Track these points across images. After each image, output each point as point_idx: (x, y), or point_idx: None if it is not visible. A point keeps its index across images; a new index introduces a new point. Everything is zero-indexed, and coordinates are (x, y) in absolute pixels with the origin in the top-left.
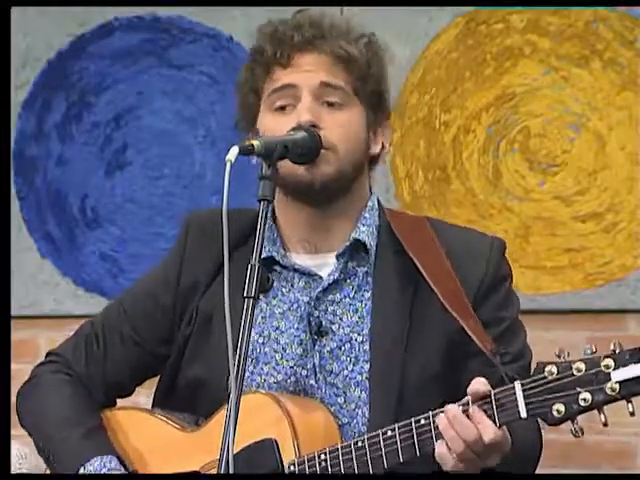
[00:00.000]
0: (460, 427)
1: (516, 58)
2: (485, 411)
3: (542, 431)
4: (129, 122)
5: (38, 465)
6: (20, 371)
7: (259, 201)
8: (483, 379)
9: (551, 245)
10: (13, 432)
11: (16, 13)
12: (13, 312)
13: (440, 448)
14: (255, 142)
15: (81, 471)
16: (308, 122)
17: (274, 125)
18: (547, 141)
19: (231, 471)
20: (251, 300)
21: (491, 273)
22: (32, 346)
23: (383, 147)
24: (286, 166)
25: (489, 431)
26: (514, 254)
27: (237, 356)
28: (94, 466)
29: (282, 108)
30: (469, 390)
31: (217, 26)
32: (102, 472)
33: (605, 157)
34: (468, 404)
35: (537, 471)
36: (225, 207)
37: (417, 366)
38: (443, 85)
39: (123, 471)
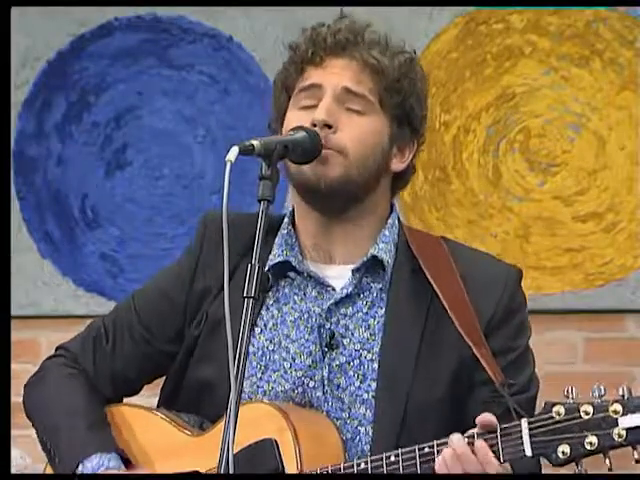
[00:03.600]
0: (466, 464)
1: (516, 58)
2: (490, 446)
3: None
4: (129, 122)
5: (37, 468)
6: (20, 371)
7: (259, 201)
8: (487, 414)
9: (551, 245)
10: (13, 432)
11: (16, 13)
12: (13, 312)
13: (440, 468)
14: (255, 142)
15: (79, 468)
16: (322, 121)
17: (295, 121)
18: (547, 141)
19: (231, 471)
20: (251, 300)
21: (505, 302)
22: (32, 346)
23: (411, 168)
24: (293, 165)
25: (492, 468)
26: (514, 254)
27: (237, 355)
28: (92, 463)
29: (307, 107)
30: (479, 419)
31: (217, 26)
32: (99, 471)
33: (605, 157)
34: (474, 437)
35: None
36: (225, 207)
37: (424, 389)
38: (443, 85)
39: (122, 470)
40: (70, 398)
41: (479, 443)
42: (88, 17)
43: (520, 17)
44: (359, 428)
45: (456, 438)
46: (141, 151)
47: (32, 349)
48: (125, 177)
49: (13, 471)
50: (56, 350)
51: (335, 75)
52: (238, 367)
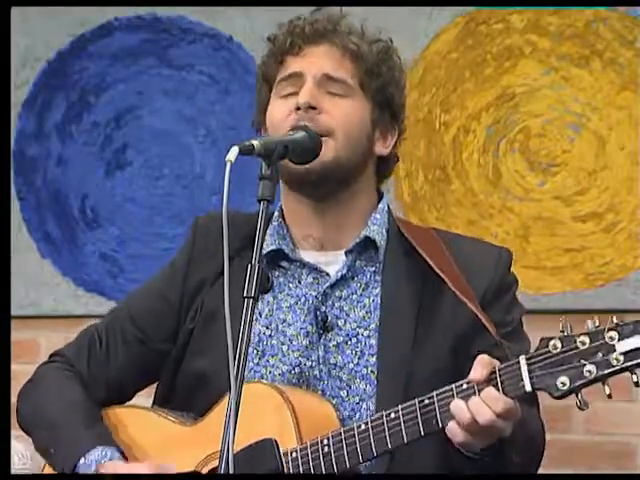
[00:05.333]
0: (475, 410)
1: (516, 58)
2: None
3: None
4: (129, 122)
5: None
6: (20, 371)
7: (259, 201)
8: (485, 358)
9: (551, 245)
10: (13, 432)
11: (16, 13)
12: (13, 312)
13: (452, 424)
14: (255, 142)
15: (81, 461)
16: (305, 103)
17: (276, 110)
18: (547, 141)
19: (231, 471)
20: (251, 300)
21: (497, 280)
22: (32, 346)
23: (394, 155)
24: (287, 162)
25: (499, 404)
26: (514, 254)
27: (236, 355)
28: (94, 456)
29: (288, 96)
30: (471, 377)
31: (217, 26)
32: (103, 462)
33: (605, 157)
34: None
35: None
36: (225, 207)
37: (425, 360)
38: (443, 85)
39: (123, 461)
40: (66, 397)
41: (481, 387)
42: (88, 17)
43: (520, 17)
44: (360, 404)
45: (456, 407)
46: (141, 151)
47: (32, 349)
48: (125, 177)
49: (18, 466)
50: (51, 356)
51: (315, 62)
52: (238, 367)
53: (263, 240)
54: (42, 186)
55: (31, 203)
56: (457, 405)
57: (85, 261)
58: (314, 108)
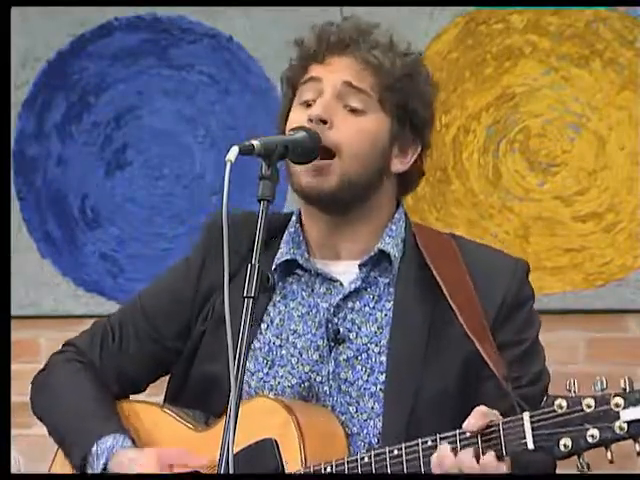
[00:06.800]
0: (449, 467)
1: (516, 58)
2: (493, 439)
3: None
4: (129, 122)
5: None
6: (20, 371)
7: (259, 201)
8: (482, 410)
9: (551, 245)
10: (13, 432)
11: (16, 13)
12: (13, 312)
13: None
14: (255, 142)
15: (94, 448)
16: (317, 116)
17: (295, 117)
18: (547, 141)
19: (231, 471)
20: (250, 300)
21: (513, 295)
22: (32, 346)
23: (418, 169)
24: (294, 173)
25: (471, 469)
26: (514, 254)
27: (236, 356)
28: (107, 444)
29: (307, 104)
30: (464, 426)
31: (217, 26)
32: (115, 450)
33: (605, 157)
34: (458, 446)
35: None
36: (225, 207)
37: (432, 381)
38: (443, 85)
39: (136, 450)
40: (79, 386)
41: (463, 455)
42: (88, 17)
43: (520, 17)
44: (368, 421)
45: (443, 447)
46: (141, 151)
47: (32, 349)
48: (125, 177)
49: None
50: (63, 346)
51: (336, 72)
52: (238, 367)
53: (271, 240)
54: (42, 186)
55: (31, 203)
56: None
57: (85, 261)
58: (325, 122)
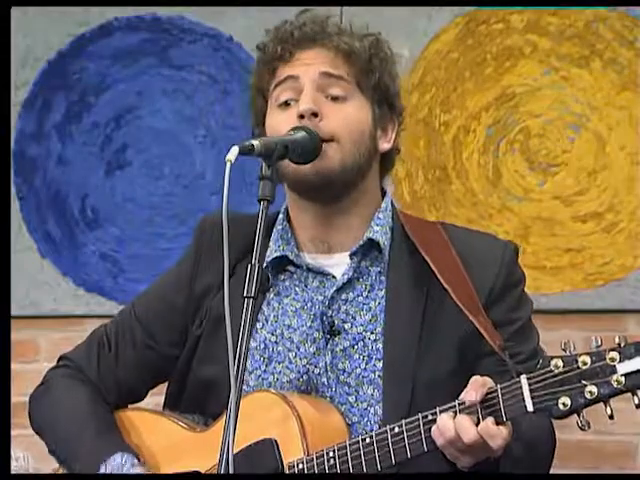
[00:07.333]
0: (449, 435)
1: (516, 58)
2: (492, 405)
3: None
4: (129, 122)
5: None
6: (20, 371)
7: (259, 201)
8: (478, 380)
9: (551, 245)
10: (13, 432)
11: (16, 13)
12: (13, 312)
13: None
14: (255, 142)
15: (102, 469)
16: (309, 110)
17: (277, 121)
18: (547, 141)
19: (231, 471)
20: (250, 300)
21: (503, 276)
22: (32, 346)
23: (395, 148)
24: (290, 165)
25: (469, 434)
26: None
27: (236, 356)
28: (117, 461)
29: (286, 104)
30: (463, 397)
31: (217, 26)
32: (125, 468)
33: (605, 157)
34: (457, 412)
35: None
36: (225, 207)
37: (430, 364)
38: (443, 85)
39: (141, 467)
40: (78, 407)
41: (461, 419)
42: (88, 17)
43: (520, 17)
44: (368, 409)
45: (444, 416)
46: (141, 151)
47: (32, 349)
48: (125, 177)
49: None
50: (59, 360)
51: (309, 65)
52: (238, 367)
53: (263, 240)
54: (42, 186)
55: (31, 203)
56: (443, 420)
57: (85, 261)
58: (316, 115)
